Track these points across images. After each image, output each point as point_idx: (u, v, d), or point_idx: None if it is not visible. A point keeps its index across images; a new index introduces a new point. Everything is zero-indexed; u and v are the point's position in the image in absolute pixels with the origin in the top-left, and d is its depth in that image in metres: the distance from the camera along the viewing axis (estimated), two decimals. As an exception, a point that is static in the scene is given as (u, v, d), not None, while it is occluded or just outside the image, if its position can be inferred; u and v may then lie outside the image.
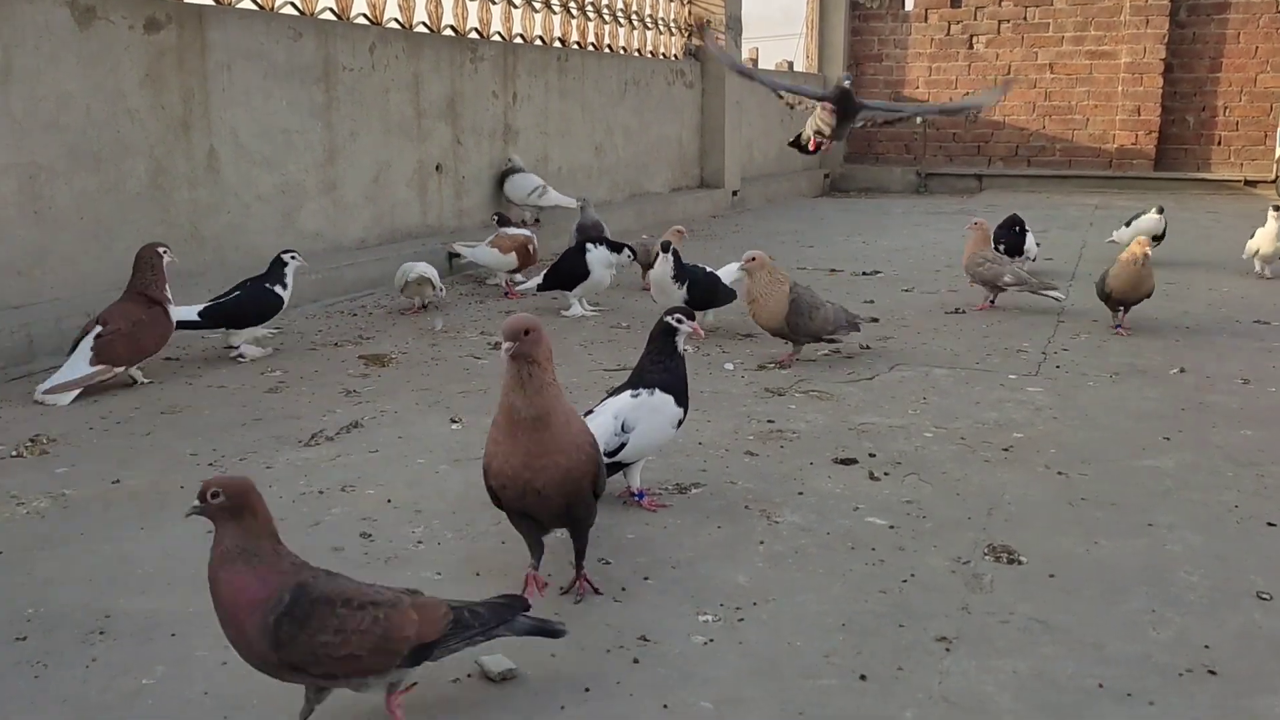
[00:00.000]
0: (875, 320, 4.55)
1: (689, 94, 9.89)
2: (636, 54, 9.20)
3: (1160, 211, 6.36)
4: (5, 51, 4.10)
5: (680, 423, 2.64)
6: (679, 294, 4.38)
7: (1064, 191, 11.79)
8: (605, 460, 2.53)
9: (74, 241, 4.43)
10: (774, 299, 3.98)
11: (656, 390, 2.58)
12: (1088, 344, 4.43)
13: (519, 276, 5.54)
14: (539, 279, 5.13)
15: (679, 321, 2.61)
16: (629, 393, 2.60)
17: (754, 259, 4.03)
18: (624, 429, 2.53)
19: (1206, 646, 1.95)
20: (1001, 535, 2.45)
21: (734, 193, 10.29)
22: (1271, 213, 5.80)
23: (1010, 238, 6.04)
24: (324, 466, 2.92)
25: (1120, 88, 12.24)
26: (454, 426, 3.29)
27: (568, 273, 5.00)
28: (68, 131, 4.36)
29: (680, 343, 2.63)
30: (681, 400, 2.62)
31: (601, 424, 2.54)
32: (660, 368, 2.61)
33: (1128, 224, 6.52)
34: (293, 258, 4.29)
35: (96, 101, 4.47)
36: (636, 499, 2.62)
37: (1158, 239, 6.17)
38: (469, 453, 3.02)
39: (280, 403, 3.55)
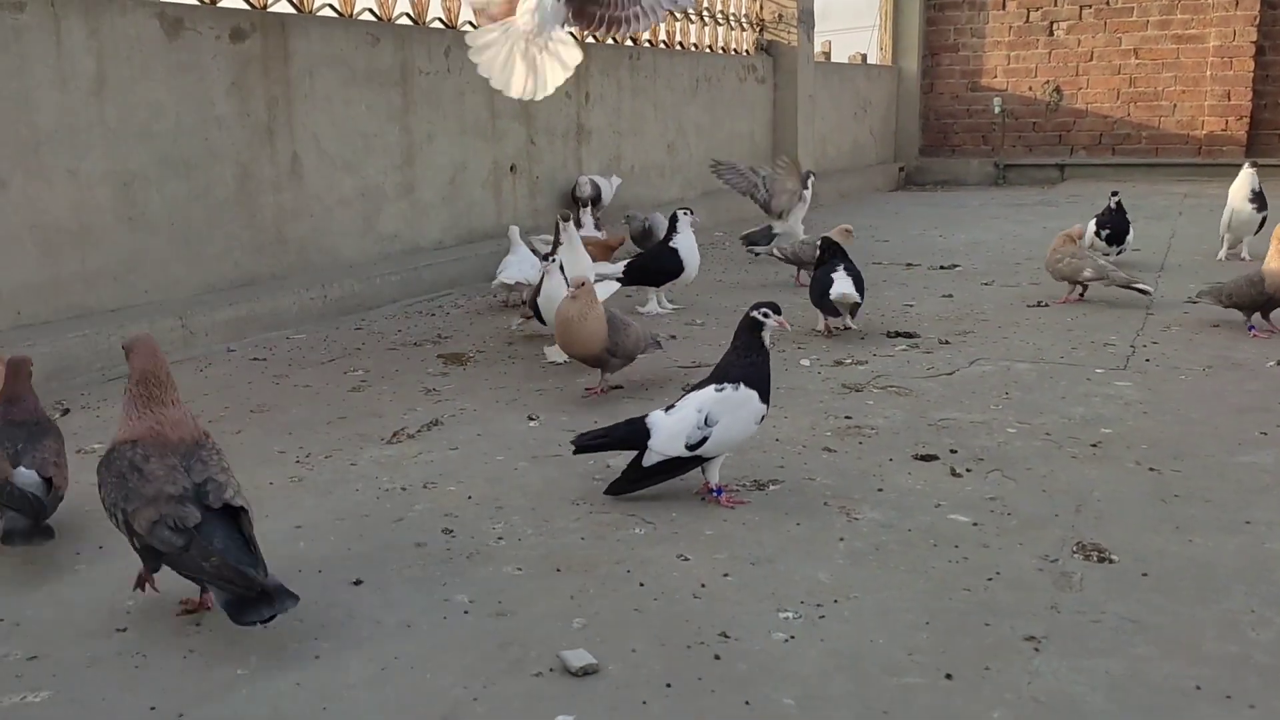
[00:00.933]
0: (674, 338, 4.42)
1: (761, 89, 9.83)
2: (708, 50, 9.18)
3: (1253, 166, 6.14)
4: (99, 63, 4.25)
5: (762, 419, 2.64)
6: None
7: (1150, 180, 11.43)
8: (687, 454, 2.55)
9: (165, 246, 4.58)
10: (592, 318, 3.48)
11: (741, 385, 2.59)
12: (1178, 337, 4.29)
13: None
14: (617, 271, 5.08)
15: (765, 315, 2.60)
16: (713, 387, 2.61)
17: (582, 285, 3.53)
18: (707, 423, 2.53)
19: (1310, 648, 1.88)
20: (1091, 533, 2.39)
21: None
22: None
23: (1115, 222, 5.78)
24: (406, 464, 2.97)
25: (1209, 72, 11.83)
26: (531, 424, 3.32)
27: (655, 269, 4.98)
28: (159, 139, 4.51)
29: (767, 338, 2.62)
30: (765, 396, 2.61)
31: (684, 417, 2.56)
32: (746, 362, 2.61)
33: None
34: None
35: (185, 110, 4.61)
36: (715, 495, 2.62)
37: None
38: (547, 449, 3.05)
39: (363, 401, 3.63)
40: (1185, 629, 1.96)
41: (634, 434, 2.63)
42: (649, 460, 2.59)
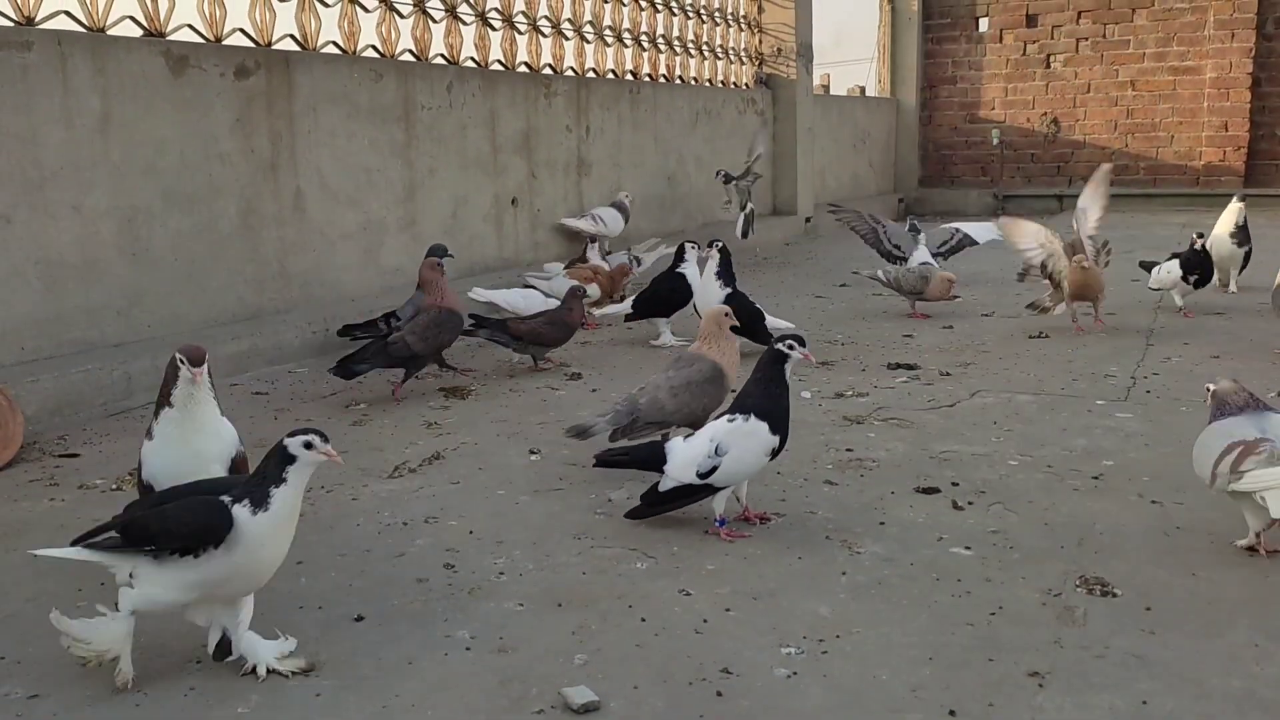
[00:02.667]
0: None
1: (760, 122, 9.90)
2: (707, 84, 9.26)
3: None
4: (104, 100, 4.29)
5: (776, 453, 2.63)
6: (720, 293, 4.57)
7: (1149, 210, 11.48)
8: (697, 482, 2.56)
9: (169, 281, 4.60)
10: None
11: (752, 416, 2.60)
12: (1178, 368, 4.30)
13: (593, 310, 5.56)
14: (624, 306, 5.12)
15: (790, 348, 2.62)
16: (727, 417, 2.64)
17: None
18: (717, 452, 2.56)
19: (1315, 683, 1.87)
20: (1094, 566, 2.38)
21: (807, 219, 10.25)
22: None
23: (1204, 265, 5.37)
24: (407, 498, 2.97)
25: (1206, 103, 11.92)
26: (533, 457, 3.32)
27: (665, 299, 4.96)
28: (163, 175, 4.54)
29: (788, 370, 2.63)
30: (777, 428, 2.60)
31: (698, 445, 2.59)
32: (762, 393, 2.63)
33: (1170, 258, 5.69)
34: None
35: (190, 146, 4.65)
36: (717, 525, 2.62)
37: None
38: (548, 484, 3.05)
39: (364, 435, 3.63)
40: (1189, 664, 1.95)
41: (653, 456, 2.68)
42: (664, 485, 2.63)
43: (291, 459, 1.97)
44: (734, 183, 7.68)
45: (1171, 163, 12.24)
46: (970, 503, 2.81)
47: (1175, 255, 5.58)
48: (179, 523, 1.92)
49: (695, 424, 3.03)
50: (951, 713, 1.81)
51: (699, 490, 2.60)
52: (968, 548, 2.50)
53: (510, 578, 2.41)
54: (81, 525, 2.77)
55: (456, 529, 2.72)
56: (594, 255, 6.17)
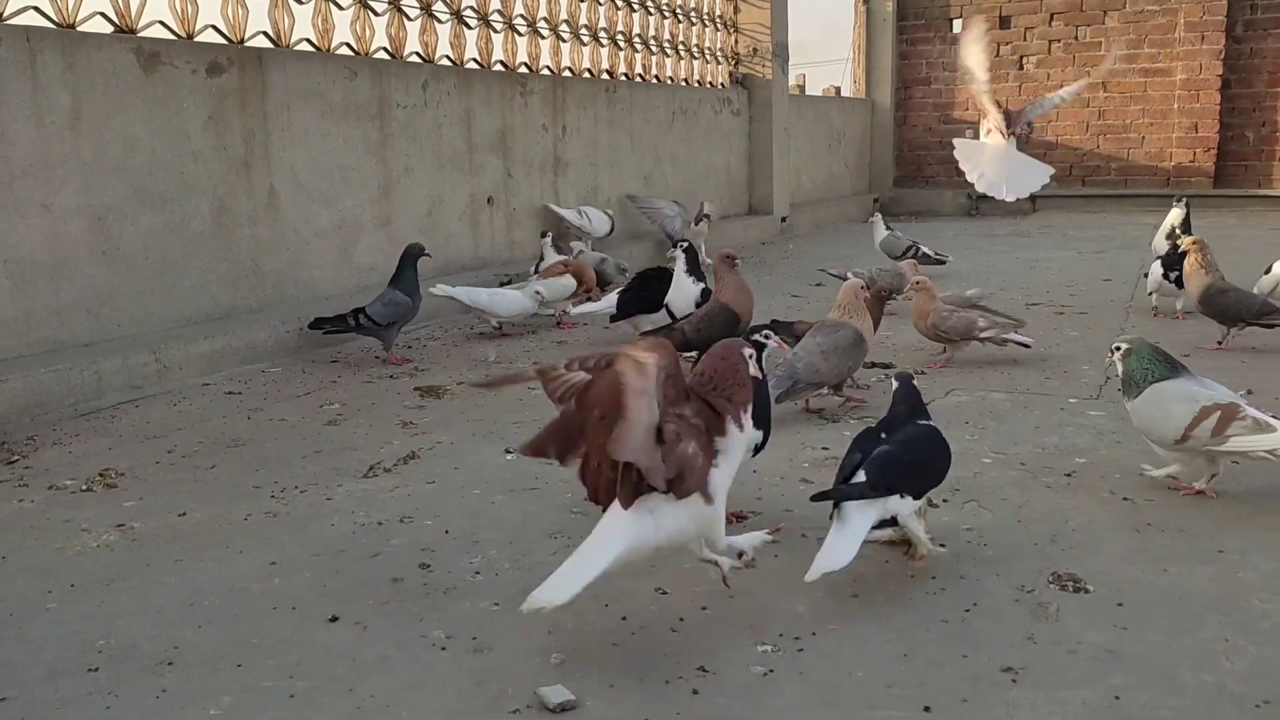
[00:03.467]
0: None
1: (736, 122, 9.93)
2: (684, 83, 9.27)
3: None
4: (75, 97, 4.25)
5: (760, 448, 2.64)
6: (693, 289, 4.58)
7: (1121, 211, 11.60)
8: None
9: (140, 280, 4.55)
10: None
11: None
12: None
13: (570, 307, 5.54)
14: (604, 306, 5.07)
15: (766, 337, 2.62)
16: None
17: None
18: None
19: (1284, 677, 1.89)
20: (1066, 563, 2.40)
21: (783, 219, 10.28)
22: None
23: (1180, 261, 5.07)
24: (383, 498, 2.95)
25: (1176, 105, 12.05)
26: (509, 457, 3.31)
27: (649, 298, 4.87)
28: (134, 173, 4.50)
29: (763, 360, 2.64)
30: (760, 423, 2.61)
31: None
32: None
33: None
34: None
35: (162, 144, 4.61)
36: None
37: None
38: (524, 483, 3.04)
39: (339, 435, 3.61)
40: (1161, 659, 1.97)
41: None
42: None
43: None
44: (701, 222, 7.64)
45: (1142, 164, 12.36)
46: (945, 500, 2.82)
47: (1158, 257, 5.59)
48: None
49: (841, 384, 3.61)
50: (927, 709, 1.82)
51: None
52: (942, 545, 2.51)
53: (486, 577, 2.41)
54: (51, 527, 2.75)
55: (432, 528, 2.71)
56: (550, 253, 6.09)
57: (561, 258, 5.86)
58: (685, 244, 4.81)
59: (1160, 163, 12.24)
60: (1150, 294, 5.49)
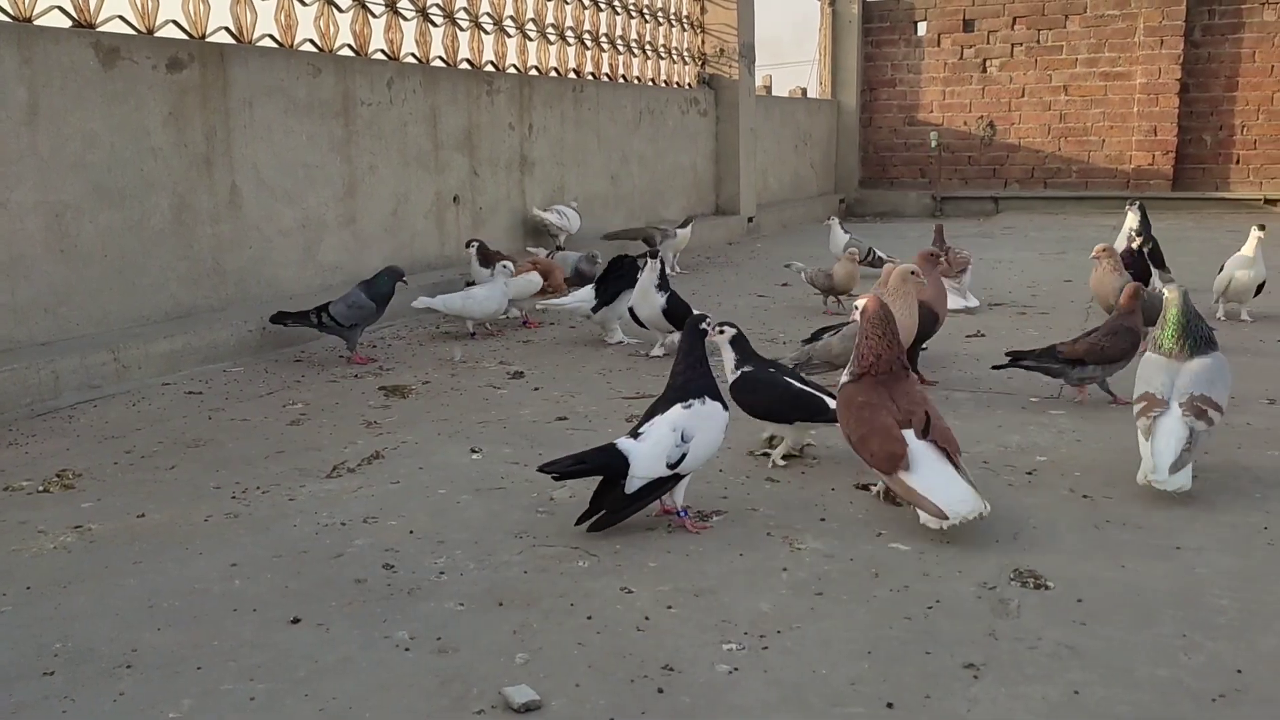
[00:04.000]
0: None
1: (703, 122, 9.95)
2: (651, 84, 9.28)
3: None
4: (32, 92, 4.17)
5: (726, 427, 2.74)
6: (658, 300, 4.54)
7: (1081, 213, 11.76)
8: (666, 473, 2.56)
9: (99, 278, 4.48)
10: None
11: (706, 398, 2.66)
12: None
13: (537, 304, 5.51)
14: (574, 301, 5.03)
15: (704, 323, 2.76)
16: (680, 405, 2.64)
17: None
18: (684, 439, 2.58)
19: (1239, 671, 1.92)
20: (1027, 560, 2.43)
21: (749, 219, 10.32)
22: (1255, 231, 5.27)
23: (1137, 265, 5.23)
24: (346, 498, 2.93)
25: (1136, 109, 12.23)
26: (474, 456, 3.30)
27: (626, 285, 4.85)
28: (93, 170, 4.43)
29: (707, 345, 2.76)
30: (725, 405, 2.72)
31: (660, 438, 2.59)
32: (699, 374, 2.70)
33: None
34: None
35: (121, 140, 4.54)
36: (681, 516, 2.63)
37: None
38: (489, 482, 3.03)
39: (302, 435, 3.57)
40: (1119, 654, 2.00)
41: (613, 461, 2.58)
42: (631, 486, 2.57)
43: None
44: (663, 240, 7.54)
45: (1103, 166, 12.54)
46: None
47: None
48: None
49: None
50: (890, 705, 1.83)
51: (666, 483, 2.60)
52: (906, 543, 2.53)
53: (451, 577, 2.39)
54: (6, 528, 2.71)
55: (396, 529, 2.69)
56: (476, 264, 5.81)
57: (488, 270, 5.59)
58: (658, 254, 4.73)
59: (1120, 165, 12.42)
60: None
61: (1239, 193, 11.87)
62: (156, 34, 4.80)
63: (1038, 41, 12.61)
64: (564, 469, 2.61)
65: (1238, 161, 12.07)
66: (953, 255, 6.00)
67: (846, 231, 7.25)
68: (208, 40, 5.03)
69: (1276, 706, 1.81)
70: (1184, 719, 1.78)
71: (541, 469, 2.63)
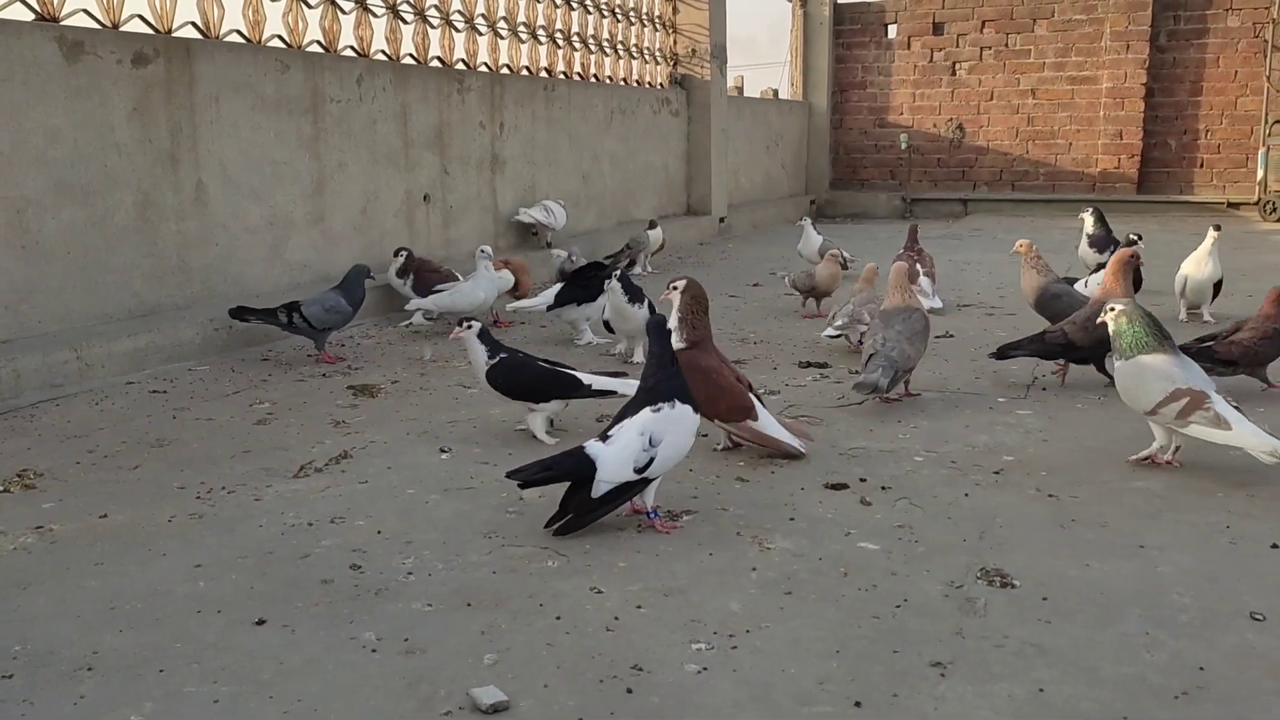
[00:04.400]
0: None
1: (675, 122, 9.96)
2: (622, 83, 9.27)
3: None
4: (-8, 86, 4.11)
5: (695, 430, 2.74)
6: (640, 313, 4.35)
7: (1048, 215, 11.87)
8: (634, 477, 2.55)
9: (61, 275, 4.42)
10: None
11: (676, 402, 2.65)
12: (1075, 367, 4.43)
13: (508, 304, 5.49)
14: (540, 301, 4.98)
15: (665, 321, 2.79)
16: (649, 408, 2.63)
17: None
18: (651, 443, 2.57)
19: (1201, 668, 1.95)
20: (994, 559, 2.45)
21: (721, 219, 10.34)
22: (1211, 232, 5.29)
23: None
24: (313, 498, 2.90)
25: (1102, 112, 12.37)
26: (443, 456, 3.28)
27: (585, 293, 4.86)
28: (55, 165, 4.36)
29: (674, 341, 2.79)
30: (696, 409, 2.71)
31: (628, 442, 2.58)
32: (668, 375, 2.69)
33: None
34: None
35: (84, 135, 4.48)
36: (651, 518, 2.63)
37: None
38: (459, 482, 3.01)
39: (268, 434, 3.54)
40: (1084, 652, 2.02)
41: (580, 466, 2.57)
42: (598, 490, 2.55)
43: None
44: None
45: (1070, 169, 12.67)
46: (878, 497, 2.86)
47: (1101, 266, 5.41)
48: None
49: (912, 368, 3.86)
50: (858, 704, 1.84)
51: (633, 487, 2.59)
52: (875, 542, 2.55)
53: (419, 578, 2.38)
54: (-36, 529, 2.65)
55: (364, 529, 2.67)
56: (409, 292, 5.52)
57: (403, 280, 5.48)
58: (619, 274, 4.53)
59: (1086, 168, 12.56)
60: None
61: (1203, 196, 12.03)
62: (121, 28, 4.73)
63: (1006, 45, 12.73)
64: (530, 476, 2.60)
65: (1201, 165, 12.24)
66: (924, 255, 6.07)
67: (820, 234, 7.27)
68: (174, 35, 4.97)
69: (1237, 703, 1.84)
70: (1147, 716, 1.80)
71: (509, 476, 2.63)
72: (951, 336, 5.12)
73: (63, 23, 4.48)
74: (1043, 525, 2.67)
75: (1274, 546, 2.50)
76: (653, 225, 7.60)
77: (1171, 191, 12.24)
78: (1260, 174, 11.27)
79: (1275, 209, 10.99)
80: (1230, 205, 11.71)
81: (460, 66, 7.07)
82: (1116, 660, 1.98)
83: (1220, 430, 2.88)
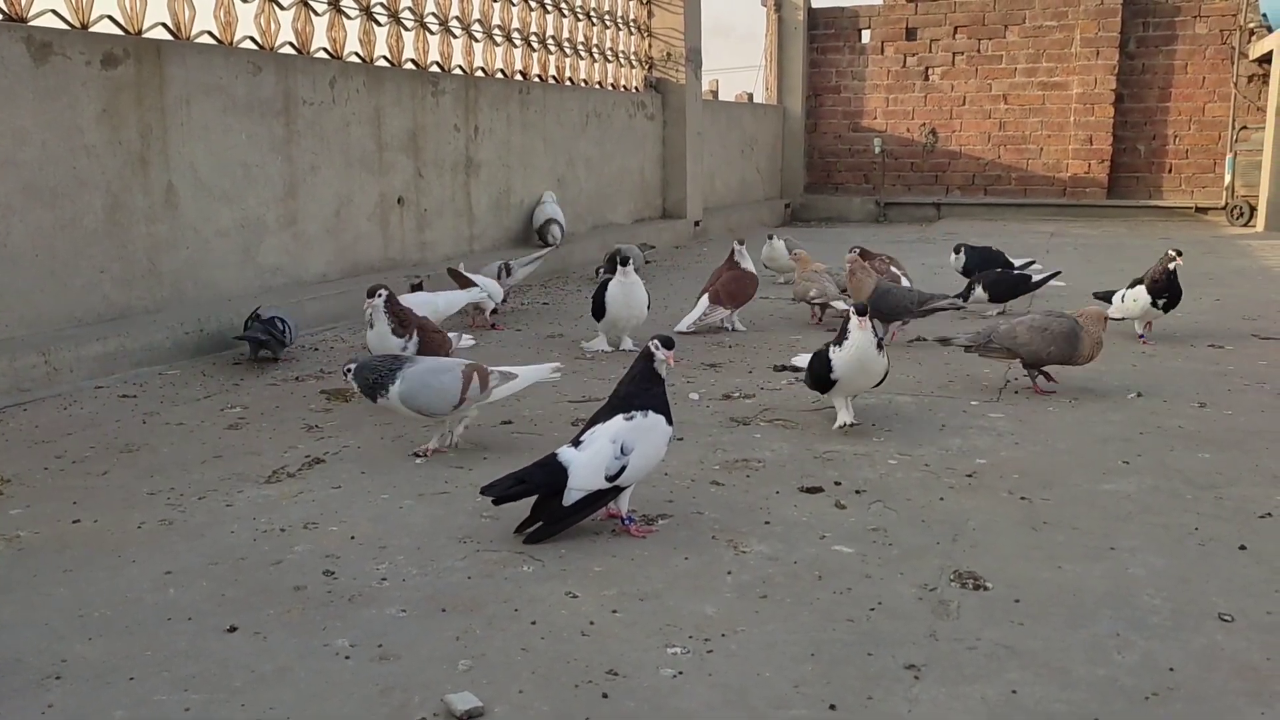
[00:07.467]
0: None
1: (650, 125, 9.97)
2: (597, 86, 9.27)
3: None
4: (-42, 87, 4.05)
5: (669, 440, 2.71)
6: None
7: (1020, 219, 11.99)
8: (605, 485, 2.55)
9: (29, 279, 4.36)
10: None
11: (649, 412, 2.64)
12: (1048, 370, 4.47)
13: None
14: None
15: (656, 348, 2.69)
16: (621, 416, 2.62)
17: None
18: (623, 451, 2.55)
19: (1171, 669, 1.97)
20: (967, 561, 2.46)
21: (696, 223, 10.36)
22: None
23: (1172, 289, 4.85)
24: (285, 504, 2.88)
25: (1072, 118, 12.49)
26: (417, 461, 3.26)
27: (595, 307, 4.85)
28: (23, 168, 4.31)
29: (662, 370, 2.70)
30: (670, 420, 2.70)
31: (599, 450, 2.56)
32: (643, 390, 2.67)
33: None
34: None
35: (53, 137, 4.42)
36: (626, 524, 2.62)
37: None
38: (432, 487, 3.00)
39: (240, 439, 3.51)
40: (1056, 654, 2.03)
41: (552, 475, 2.56)
42: (570, 499, 2.54)
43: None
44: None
45: (1041, 174, 12.79)
46: (852, 501, 2.87)
47: (1138, 281, 5.00)
48: None
49: (1035, 363, 3.95)
50: (832, 707, 1.85)
51: (605, 495, 2.58)
52: (849, 546, 2.56)
53: (393, 583, 2.36)
54: (-72, 537, 2.61)
55: (337, 534, 2.65)
56: (381, 317, 5.55)
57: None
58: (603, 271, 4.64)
59: (1057, 173, 12.68)
60: (1120, 318, 5.01)
61: (1171, 201, 12.17)
62: (91, 29, 4.68)
63: (978, 51, 12.83)
64: (504, 491, 2.59)
65: (1170, 171, 12.38)
66: (878, 263, 5.91)
67: (779, 239, 7.18)
68: (144, 36, 4.92)
69: (1206, 704, 1.86)
70: (1118, 717, 1.82)
71: (483, 492, 2.62)
72: (924, 340, 5.14)
73: (31, 23, 4.43)
74: (1015, 528, 2.68)
75: (1242, 548, 2.53)
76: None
77: (1140, 196, 12.38)
78: (1228, 179, 11.43)
79: (1242, 214, 11.15)
80: (1198, 210, 11.86)
81: (435, 69, 7.05)
82: (1088, 661, 2.00)
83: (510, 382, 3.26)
